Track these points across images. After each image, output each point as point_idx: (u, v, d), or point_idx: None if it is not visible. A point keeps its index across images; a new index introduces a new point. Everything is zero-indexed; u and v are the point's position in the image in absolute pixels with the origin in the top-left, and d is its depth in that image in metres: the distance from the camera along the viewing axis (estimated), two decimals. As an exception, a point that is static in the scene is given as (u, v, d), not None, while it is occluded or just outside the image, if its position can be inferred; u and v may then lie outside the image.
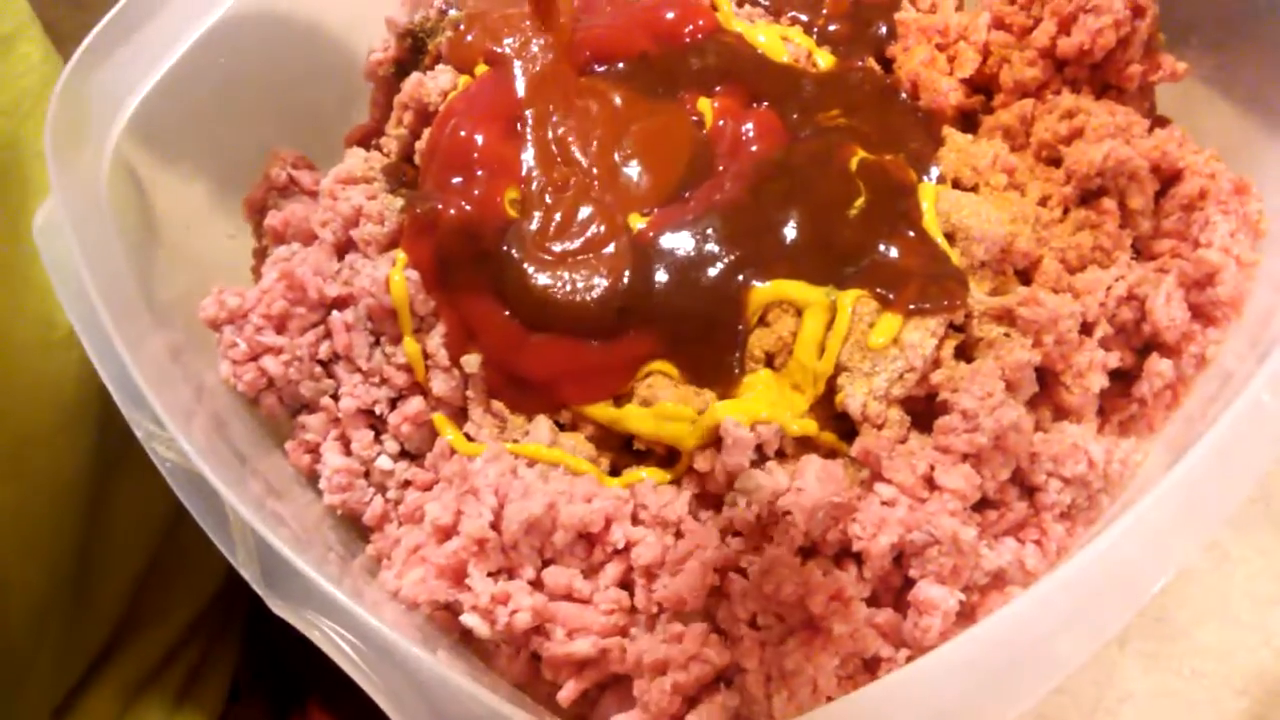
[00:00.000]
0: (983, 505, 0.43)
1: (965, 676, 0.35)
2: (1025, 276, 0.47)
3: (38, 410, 0.47)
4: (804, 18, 0.54)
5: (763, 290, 0.44)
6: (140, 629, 0.54)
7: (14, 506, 0.47)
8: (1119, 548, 0.36)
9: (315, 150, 0.56)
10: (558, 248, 0.46)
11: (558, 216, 0.47)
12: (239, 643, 0.59)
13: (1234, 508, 0.37)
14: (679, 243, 0.45)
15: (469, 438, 0.47)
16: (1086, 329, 0.45)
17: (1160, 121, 0.50)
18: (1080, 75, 0.50)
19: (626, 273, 0.45)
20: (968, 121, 0.52)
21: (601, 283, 0.45)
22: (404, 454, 0.48)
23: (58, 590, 0.50)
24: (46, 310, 0.46)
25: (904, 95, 0.52)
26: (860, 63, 0.53)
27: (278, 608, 0.36)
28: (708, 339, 0.45)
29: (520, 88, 0.50)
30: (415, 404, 0.47)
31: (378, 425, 0.48)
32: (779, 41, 0.53)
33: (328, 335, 0.48)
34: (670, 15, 0.52)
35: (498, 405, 0.47)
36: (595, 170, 0.47)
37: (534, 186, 0.47)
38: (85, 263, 0.42)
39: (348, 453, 0.47)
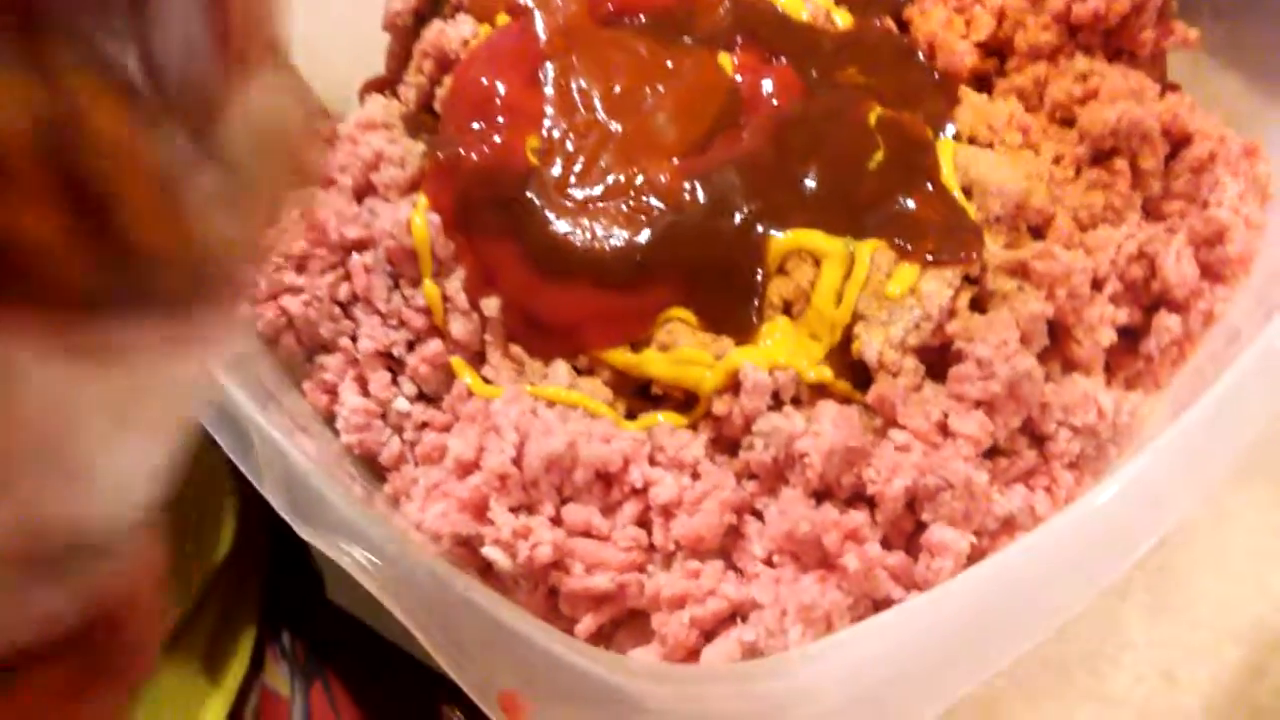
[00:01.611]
0: (994, 453, 0.44)
1: (969, 613, 0.36)
2: (1038, 233, 0.47)
3: None
4: (822, -23, 0.55)
5: (782, 240, 0.45)
6: None
7: None
8: (1121, 498, 0.37)
9: (328, 102, 0.56)
10: (579, 195, 0.47)
11: (579, 164, 0.47)
12: (256, 612, 0.59)
13: (1235, 460, 0.38)
14: (700, 193, 0.46)
15: (486, 380, 0.47)
16: (1097, 285, 0.46)
17: (1171, 87, 0.51)
18: (1094, 40, 0.51)
19: (647, 222, 0.45)
20: (982, 83, 0.53)
21: (622, 233, 0.46)
22: (421, 396, 0.49)
23: None
24: None
25: (920, 56, 0.52)
26: (878, 22, 0.53)
27: (306, 534, 0.36)
28: (727, 287, 0.45)
29: (542, 36, 0.50)
30: (433, 346, 0.47)
31: (395, 367, 0.48)
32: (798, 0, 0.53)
33: (347, 277, 0.48)
34: (690, -29, 0.53)
35: (515, 349, 0.47)
36: (618, 119, 0.48)
37: (556, 134, 0.48)
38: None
39: (365, 393, 0.48)
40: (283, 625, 0.59)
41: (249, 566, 0.59)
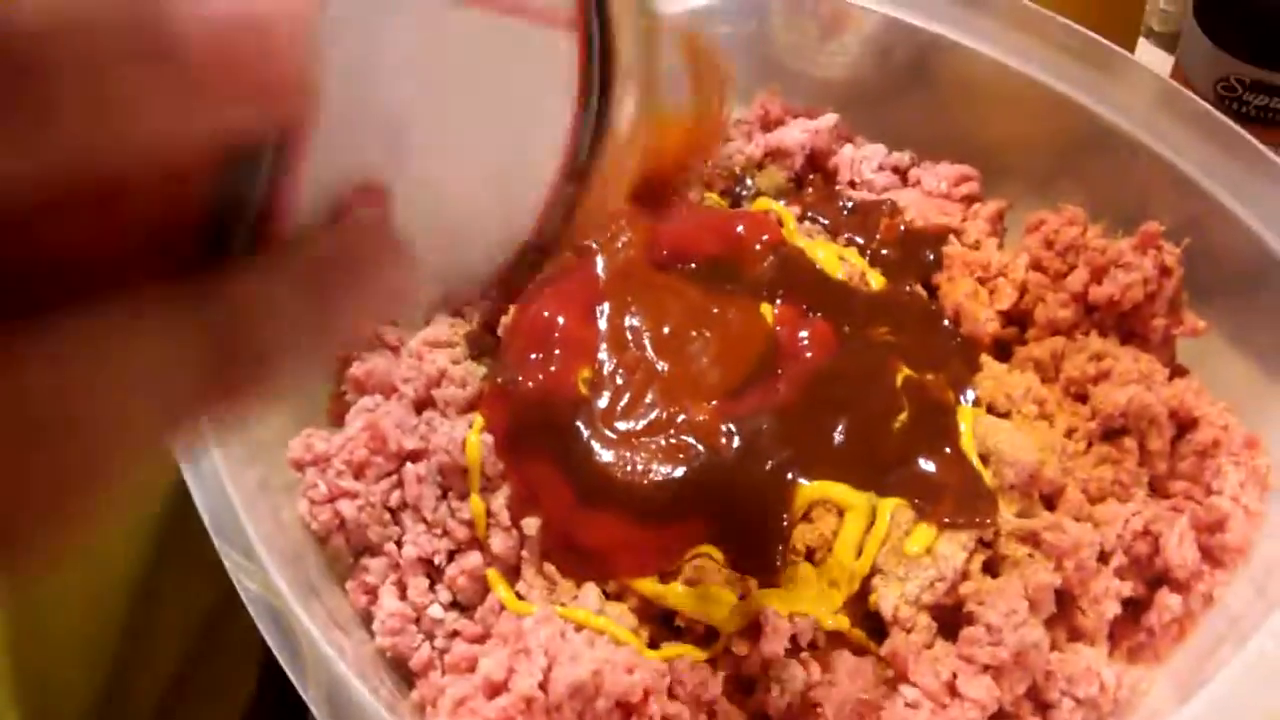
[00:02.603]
0: (999, 717, 0.45)
1: None
2: (1049, 502, 0.50)
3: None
4: (859, 240, 0.60)
5: (808, 489, 0.48)
6: None
7: (64, 599, 0.49)
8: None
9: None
10: (623, 427, 0.50)
11: (625, 398, 0.51)
12: None
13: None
14: (735, 436, 0.49)
15: (519, 596, 0.50)
16: (1103, 558, 0.48)
17: (1179, 371, 0.55)
18: (1108, 321, 0.55)
19: (684, 460, 0.49)
20: (1002, 349, 0.57)
21: (660, 467, 0.49)
22: (454, 604, 0.51)
23: (95, 695, 0.52)
24: None
25: (947, 321, 0.57)
26: (908, 287, 0.58)
27: (343, 745, 0.38)
28: (754, 529, 0.48)
29: (601, 276, 0.55)
30: (473, 558, 0.50)
31: (434, 575, 0.51)
32: (836, 259, 0.58)
33: (399, 485, 0.51)
34: (740, 227, 0.58)
35: (549, 568, 0.50)
36: (665, 359, 0.52)
37: (607, 368, 0.52)
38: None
39: (403, 597, 0.50)
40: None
41: None
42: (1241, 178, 0.53)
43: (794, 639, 0.46)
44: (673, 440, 0.50)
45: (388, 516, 0.51)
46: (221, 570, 0.43)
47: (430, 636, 0.50)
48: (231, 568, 0.43)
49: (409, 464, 0.51)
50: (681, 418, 0.50)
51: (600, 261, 0.56)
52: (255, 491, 0.47)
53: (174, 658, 0.56)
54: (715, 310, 0.55)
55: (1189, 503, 0.50)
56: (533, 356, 0.52)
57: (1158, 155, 0.55)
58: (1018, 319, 0.57)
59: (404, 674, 0.50)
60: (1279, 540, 0.48)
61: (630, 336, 0.53)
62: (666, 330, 0.54)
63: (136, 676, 0.54)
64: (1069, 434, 0.52)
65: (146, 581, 0.53)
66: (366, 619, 0.50)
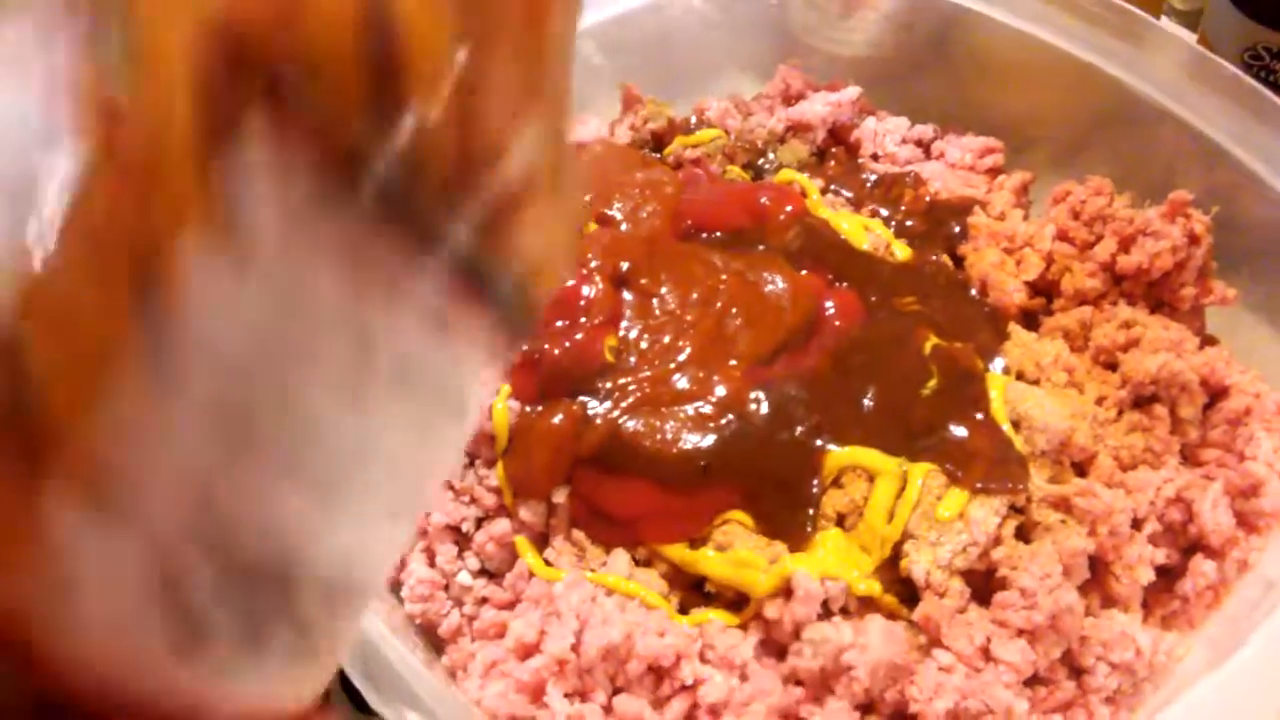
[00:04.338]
0: (1033, 681, 0.45)
1: None
2: (1080, 469, 0.50)
3: None
4: (884, 211, 0.60)
5: (839, 455, 0.48)
6: None
7: None
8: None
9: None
10: (651, 395, 0.50)
11: (652, 367, 0.51)
12: None
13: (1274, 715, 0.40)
14: (765, 404, 0.49)
15: (547, 563, 0.50)
16: (1137, 524, 0.48)
17: (1209, 340, 0.55)
18: (1136, 290, 0.55)
19: (713, 428, 0.49)
20: (1029, 320, 0.57)
21: (688, 435, 0.49)
22: (483, 572, 0.51)
23: None
24: None
25: (973, 291, 0.56)
26: (934, 257, 0.57)
27: (378, 704, 0.38)
28: (784, 495, 0.48)
29: (628, 245, 0.54)
30: (501, 525, 0.50)
31: (462, 542, 0.51)
32: (861, 230, 0.58)
33: (425, 452, 0.51)
34: (764, 198, 0.58)
35: (578, 535, 0.50)
36: (692, 327, 0.52)
37: (633, 336, 0.52)
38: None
39: (432, 565, 0.50)
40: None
41: None
42: (1273, 145, 0.52)
43: (825, 604, 0.45)
44: (701, 408, 0.50)
45: (415, 484, 0.51)
46: None
47: (459, 603, 0.50)
48: None
49: (436, 432, 0.51)
50: (710, 385, 0.50)
51: (625, 229, 0.55)
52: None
53: None
54: (744, 279, 0.54)
55: (1222, 470, 0.50)
56: (560, 324, 0.52)
57: (1186, 123, 0.55)
58: (1044, 290, 0.57)
59: (432, 641, 0.49)
60: (1313, 506, 0.48)
61: (657, 305, 0.53)
62: (693, 298, 0.53)
63: None
64: (1099, 401, 0.51)
65: None
66: (395, 587, 0.50)
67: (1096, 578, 0.47)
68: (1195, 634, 0.48)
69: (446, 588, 0.50)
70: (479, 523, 0.50)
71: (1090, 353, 0.53)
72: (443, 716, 0.38)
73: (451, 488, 0.50)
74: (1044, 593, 0.44)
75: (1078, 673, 0.45)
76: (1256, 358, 0.53)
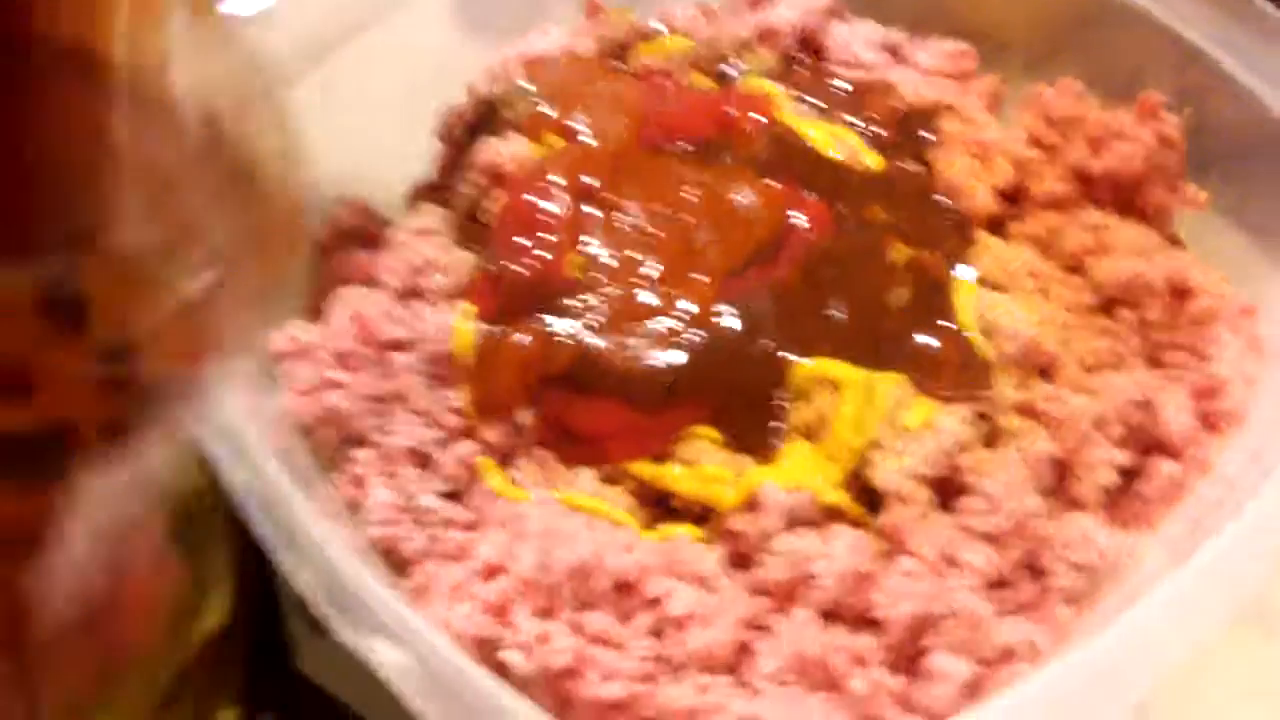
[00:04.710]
0: (996, 584, 0.45)
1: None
2: (1046, 374, 0.50)
3: None
4: (855, 120, 0.58)
5: (805, 367, 0.48)
6: None
7: None
8: (1115, 644, 0.39)
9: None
10: (617, 311, 0.49)
11: (619, 283, 0.50)
12: (238, 691, 0.59)
13: (1231, 613, 0.40)
14: (732, 318, 0.48)
15: (512, 483, 0.49)
16: (1101, 427, 0.48)
17: (1176, 243, 0.55)
18: (1105, 195, 0.54)
19: (679, 344, 0.48)
20: (997, 227, 0.56)
21: (654, 352, 0.48)
22: (446, 494, 0.50)
23: None
24: None
25: (943, 197, 0.55)
26: (903, 164, 0.56)
27: (342, 632, 0.38)
28: (751, 409, 0.48)
29: (592, 160, 0.53)
30: (465, 447, 0.49)
31: (424, 464, 0.50)
32: (830, 139, 0.57)
33: (386, 374, 0.50)
34: (731, 108, 0.57)
35: (543, 454, 0.49)
36: (659, 242, 0.51)
37: (598, 253, 0.51)
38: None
39: (393, 488, 0.50)
40: (263, 706, 0.59)
41: (236, 645, 0.59)
42: (1247, 42, 0.51)
43: (791, 514, 0.45)
44: (667, 323, 0.49)
45: (375, 406, 0.50)
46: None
47: (423, 525, 0.49)
48: (225, 469, 0.42)
49: (396, 353, 0.50)
50: (677, 300, 0.50)
51: (589, 143, 0.54)
52: (238, 384, 0.46)
53: None
54: (712, 193, 0.53)
55: (1185, 372, 0.50)
56: (522, 242, 0.51)
57: (1163, 25, 0.54)
58: (1013, 195, 0.56)
59: (396, 564, 0.49)
60: (1275, 407, 0.48)
61: (623, 220, 0.52)
62: (661, 212, 0.52)
63: None
64: (1066, 307, 0.51)
65: None
66: (356, 511, 0.50)
67: (1059, 480, 0.47)
68: (1156, 535, 0.48)
69: (409, 510, 0.49)
70: (442, 444, 0.50)
71: (1058, 258, 0.53)
72: (409, 641, 0.38)
73: (414, 410, 0.50)
74: (1009, 498, 0.44)
75: (1039, 574, 0.46)
76: (1224, 260, 0.53)
